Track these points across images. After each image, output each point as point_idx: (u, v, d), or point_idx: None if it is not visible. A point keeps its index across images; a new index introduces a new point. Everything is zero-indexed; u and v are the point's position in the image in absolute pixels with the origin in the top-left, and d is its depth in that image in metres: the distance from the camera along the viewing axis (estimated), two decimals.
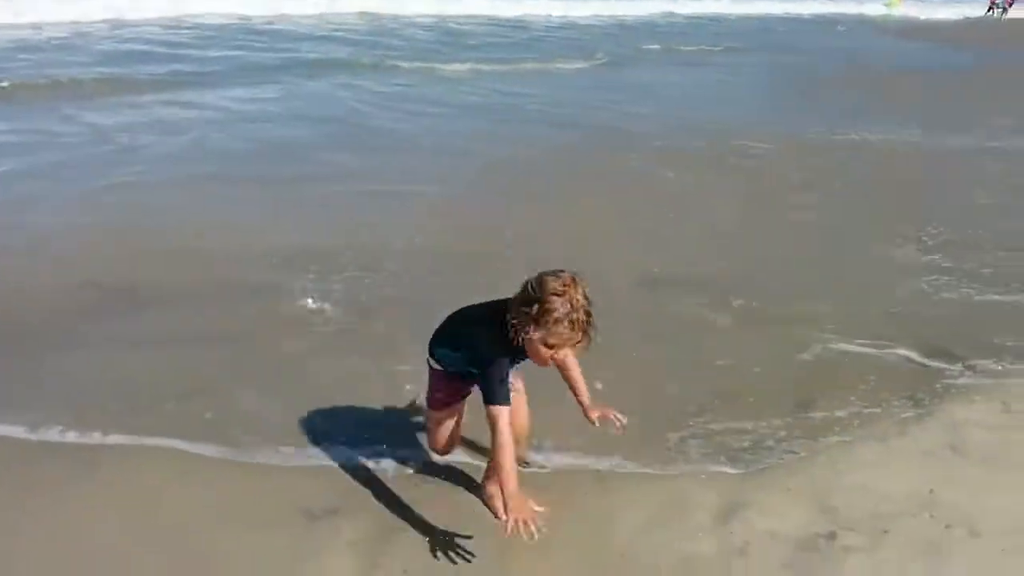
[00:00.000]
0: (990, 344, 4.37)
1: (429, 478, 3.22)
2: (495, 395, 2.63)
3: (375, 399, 3.69)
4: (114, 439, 3.37)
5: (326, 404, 3.62)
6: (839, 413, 3.75)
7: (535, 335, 2.52)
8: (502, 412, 2.62)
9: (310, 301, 4.61)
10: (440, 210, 6.26)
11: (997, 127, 10.42)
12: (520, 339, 2.55)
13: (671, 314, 4.76)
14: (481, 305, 2.82)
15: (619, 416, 2.93)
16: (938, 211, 6.67)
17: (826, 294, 5.04)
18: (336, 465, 3.27)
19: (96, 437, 3.37)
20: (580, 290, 2.50)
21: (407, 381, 3.75)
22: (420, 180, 6.98)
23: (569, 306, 2.47)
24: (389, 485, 3.17)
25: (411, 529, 2.93)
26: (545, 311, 2.48)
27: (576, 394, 2.97)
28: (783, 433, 3.60)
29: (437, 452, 3.18)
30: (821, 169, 8.07)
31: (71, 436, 3.38)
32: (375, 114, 9.77)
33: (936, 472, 3.30)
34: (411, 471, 3.26)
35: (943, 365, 4.17)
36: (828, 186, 7.45)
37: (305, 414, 3.54)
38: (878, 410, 3.77)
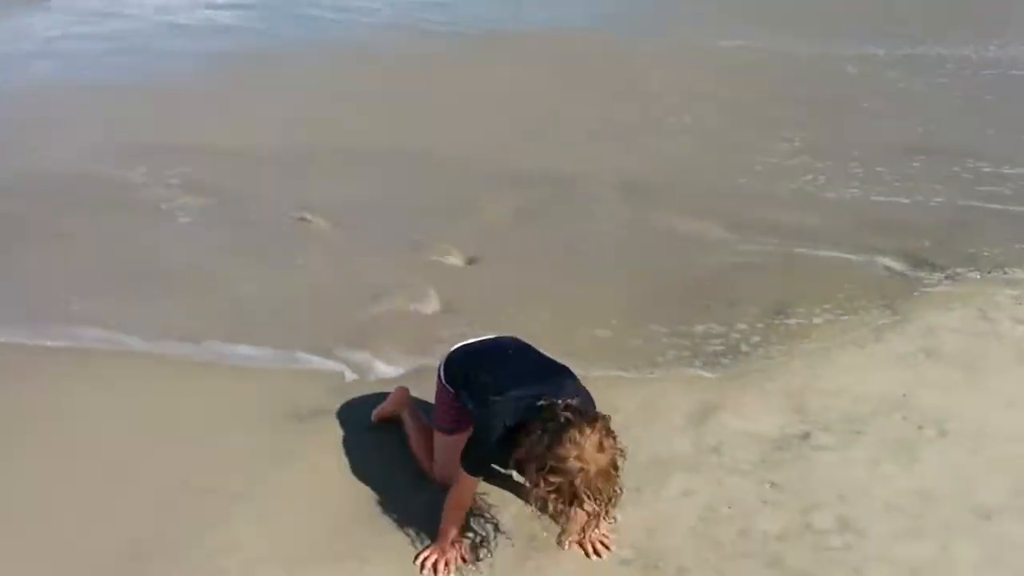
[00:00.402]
0: (968, 253, 4.37)
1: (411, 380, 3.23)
2: (471, 463, 2.37)
3: (362, 302, 3.70)
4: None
5: (311, 305, 3.62)
6: (816, 320, 3.76)
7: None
8: (469, 480, 2.39)
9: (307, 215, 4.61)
10: None
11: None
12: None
13: (647, 222, 4.75)
14: (519, 382, 2.39)
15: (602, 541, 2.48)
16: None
17: (802, 204, 5.03)
18: (321, 368, 3.29)
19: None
20: (607, 452, 2.13)
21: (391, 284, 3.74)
22: None
23: (583, 479, 2.10)
24: (373, 387, 3.18)
25: (395, 428, 2.95)
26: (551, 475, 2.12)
27: None
28: (758, 339, 3.63)
29: (435, 481, 2.68)
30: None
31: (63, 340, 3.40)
32: None
33: (910, 376, 3.33)
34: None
35: (921, 274, 4.18)
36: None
37: (289, 316, 3.54)
38: (855, 317, 3.78)
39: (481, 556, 2.42)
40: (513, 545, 2.47)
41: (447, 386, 2.62)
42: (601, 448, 2.13)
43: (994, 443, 2.92)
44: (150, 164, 5.53)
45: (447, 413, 2.64)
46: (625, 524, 2.52)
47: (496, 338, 2.75)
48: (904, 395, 3.19)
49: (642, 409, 3.11)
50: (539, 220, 4.86)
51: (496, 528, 2.52)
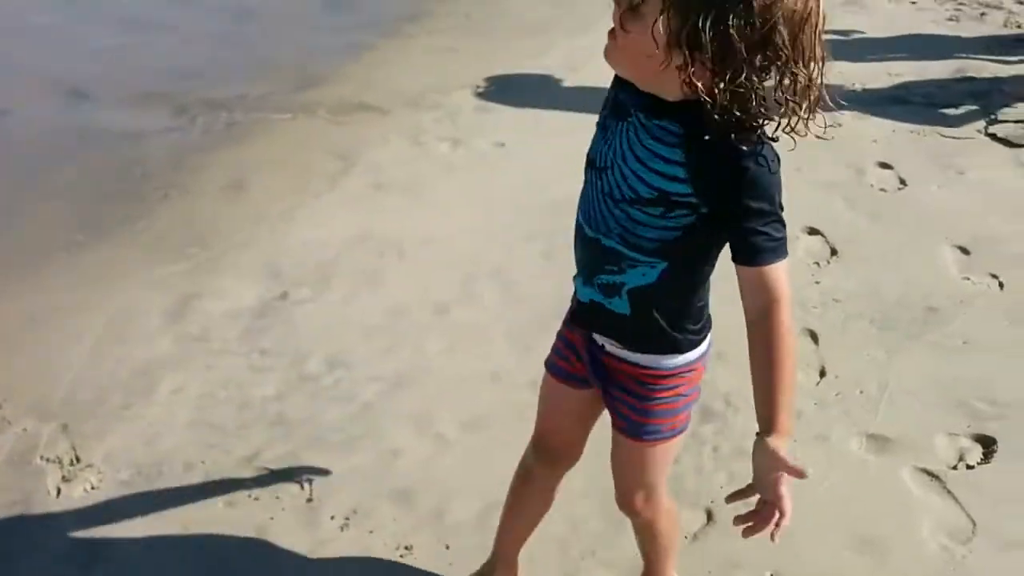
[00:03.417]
0: (396, 90, 4.75)
1: None
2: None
3: None
4: None
5: None
6: (275, 184, 3.83)
7: None
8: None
9: None
10: None
11: None
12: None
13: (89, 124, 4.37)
14: None
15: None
16: None
17: (246, 75, 4.99)
18: None
19: None
20: None
21: None
22: None
23: None
24: None
25: None
26: None
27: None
28: (219, 217, 3.59)
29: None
30: None
31: None
32: None
33: (365, 212, 3.59)
34: None
35: (358, 116, 4.46)
36: None
37: None
38: (309, 171, 3.92)
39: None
40: None
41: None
42: None
43: (441, 248, 3.32)
44: None
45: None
46: (121, 444, 2.42)
47: None
48: (363, 232, 3.43)
49: (113, 323, 2.94)
50: None
51: None
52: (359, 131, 4.33)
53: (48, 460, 2.38)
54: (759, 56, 1.20)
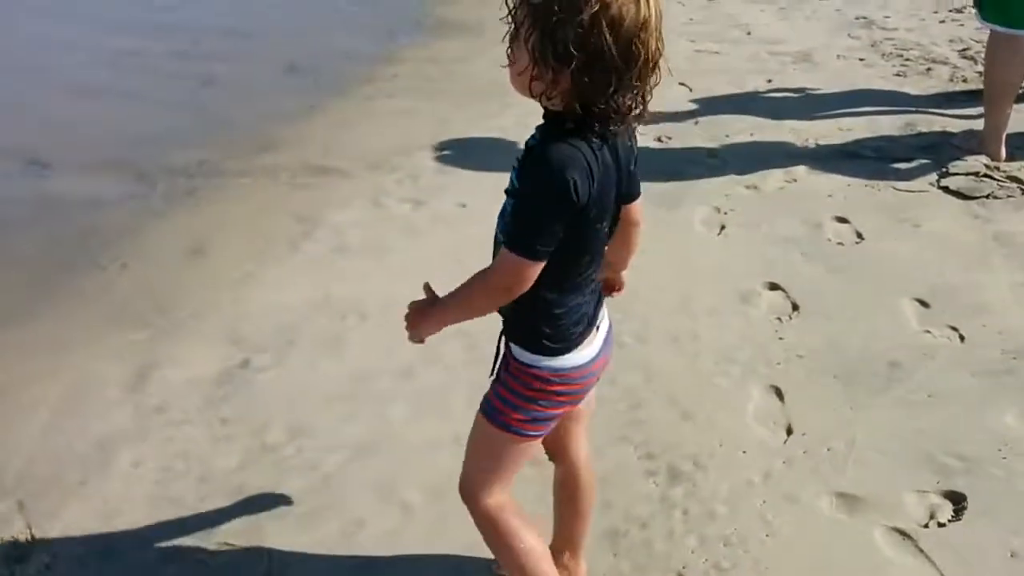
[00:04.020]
0: (360, 154, 4.76)
1: None
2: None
3: None
4: None
5: None
6: (233, 249, 3.80)
7: None
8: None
9: None
10: None
11: None
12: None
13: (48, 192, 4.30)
14: None
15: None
16: None
17: (199, 141, 4.98)
18: None
19: None
20: None
21: None
22: None
23: None
24: None
25: None
26: None
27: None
28: (180, 282, 3.55)
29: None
30: None
31: None
32: None
33: (327, 275, 3.56)
34: None
35: (319, 179, 4.46)
36: None
37: None
38: (269, 235, 3.90)
39: None
40: None
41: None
42: None
43: (401, 309, 3.28)
44: None
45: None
46: (77, 521, 2.34)
47: None
48: (325, 295, 3.40)
49: (69, 394, 2.87)
50: None
51: None
52: (320, 194, 4.32)
53: (2, 542, 2.29)
54: (596, 64, 1.37)
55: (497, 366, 1.74)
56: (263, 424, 2.71)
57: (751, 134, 4.81)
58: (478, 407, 1.76)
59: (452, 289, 1.64)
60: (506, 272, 1.52)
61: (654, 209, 3.94)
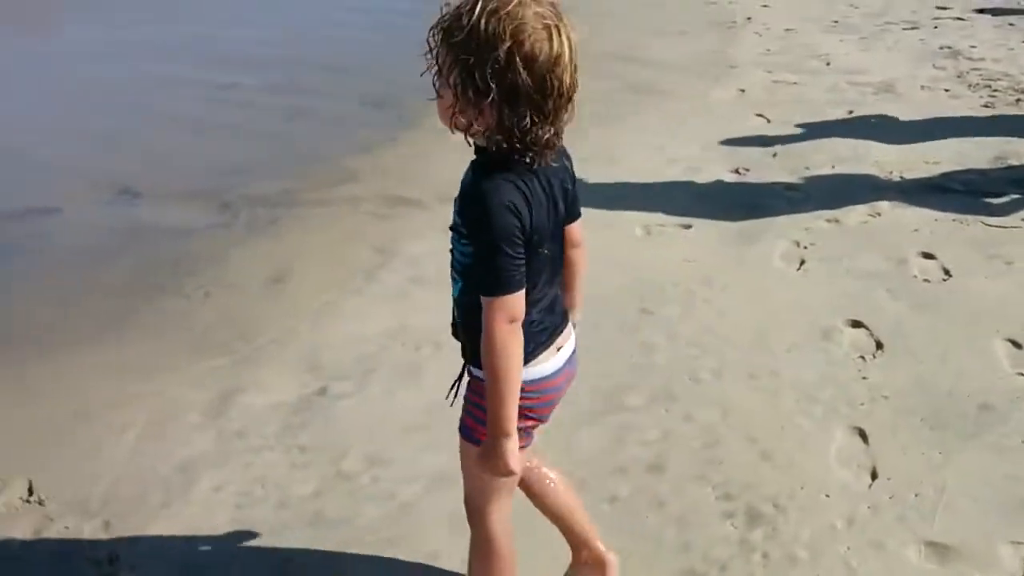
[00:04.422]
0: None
1: None
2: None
3: None
4: None
5: None
6: (314, 277, 3.89)
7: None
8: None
9: None
10: None
11: None
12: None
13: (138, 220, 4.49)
14: None
15: None
16: None
17: (276, 171, 5.13)
18: None
19: None
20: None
21: None
22: None
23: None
24: None
25: None
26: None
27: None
28: (262, 309, 3.64)
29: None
30: None
31: None
32: None
33: (404, 306, 3.61)
34: None
35: (398, 209, 4.54)
36: None
37: None
38: (348, 265, 3.98)
39: None
40: None
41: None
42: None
43: None
44: None
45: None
46: (159, 544, 2.40)
47: None
48: (402, 325, 3.45)
49: (154, 419, 2.95)
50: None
51: None
52: (398, 225, 4.40)
53: (88, 560, 2.37)
54: (513, 98, 1.45)
55: (457, 391, 1.85)
56: (340, 452, 2.75)
57: (832, 166, 4.73)
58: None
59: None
60: (500, 316, 1.54)
61: (732, 243, 3.90)
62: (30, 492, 2.63)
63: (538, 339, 1.70)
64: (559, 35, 1.45)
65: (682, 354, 3.12)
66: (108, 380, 3.22)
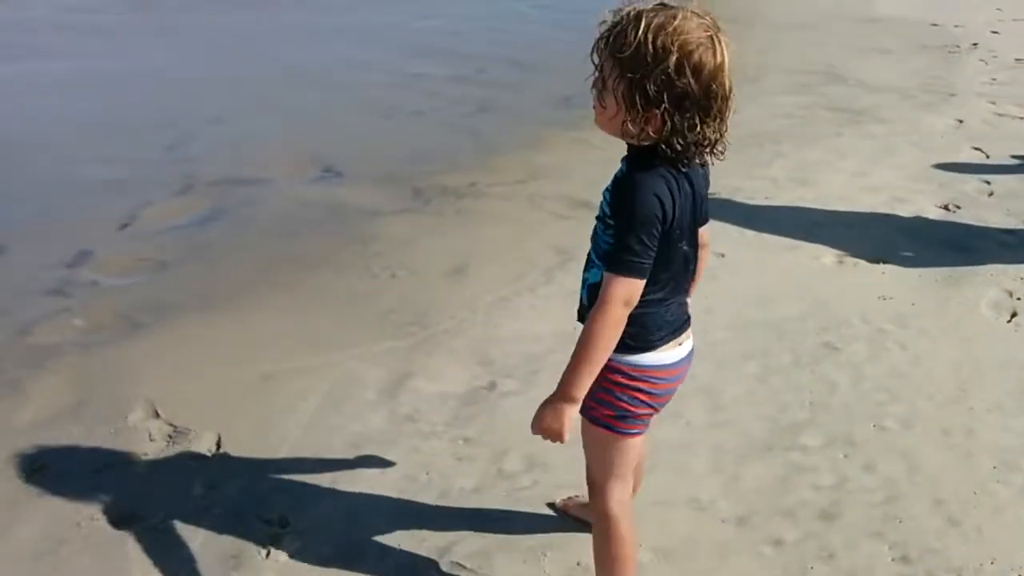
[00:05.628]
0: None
1: None
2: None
3: None
4: None
5: None
6: (492, 272, 3.95)
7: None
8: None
9: None
10: None
11: None
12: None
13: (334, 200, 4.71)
14: None
15: None
16: None
17: (471, 164, 5.24)
18: None
19: None
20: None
21: None
22: None
23: None
24: None
25: None
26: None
27: None
28: (441, 301, 3.73)
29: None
30: None
31: None
32: None
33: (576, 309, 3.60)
34: None
35: (576, 212, 4.54)
36: None
37: None
38: (526, 263, 4.02)
39: None
40: None
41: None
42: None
43: None
44: None
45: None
46: (325, 517, 2.51)
47: None
48: (573, 328, 3.43)
49: (334, 392, 3.09)
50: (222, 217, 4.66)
51: None
52: (579, 227, 4.34)
53: (259, 518, 2.51)
54: (683, 105, 1.57)
55: None
56: (503, 450, 2.77)
57: None
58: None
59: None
60: (618, 295, 1.66)
61: (934, 285, 3.64)
62: (218, 446, 2.83)
63: (668, 328, 1.82)
64: (720, 44, 1.56)
65: (867, 398, 2.94)
66: (295, 347, 3.41)
